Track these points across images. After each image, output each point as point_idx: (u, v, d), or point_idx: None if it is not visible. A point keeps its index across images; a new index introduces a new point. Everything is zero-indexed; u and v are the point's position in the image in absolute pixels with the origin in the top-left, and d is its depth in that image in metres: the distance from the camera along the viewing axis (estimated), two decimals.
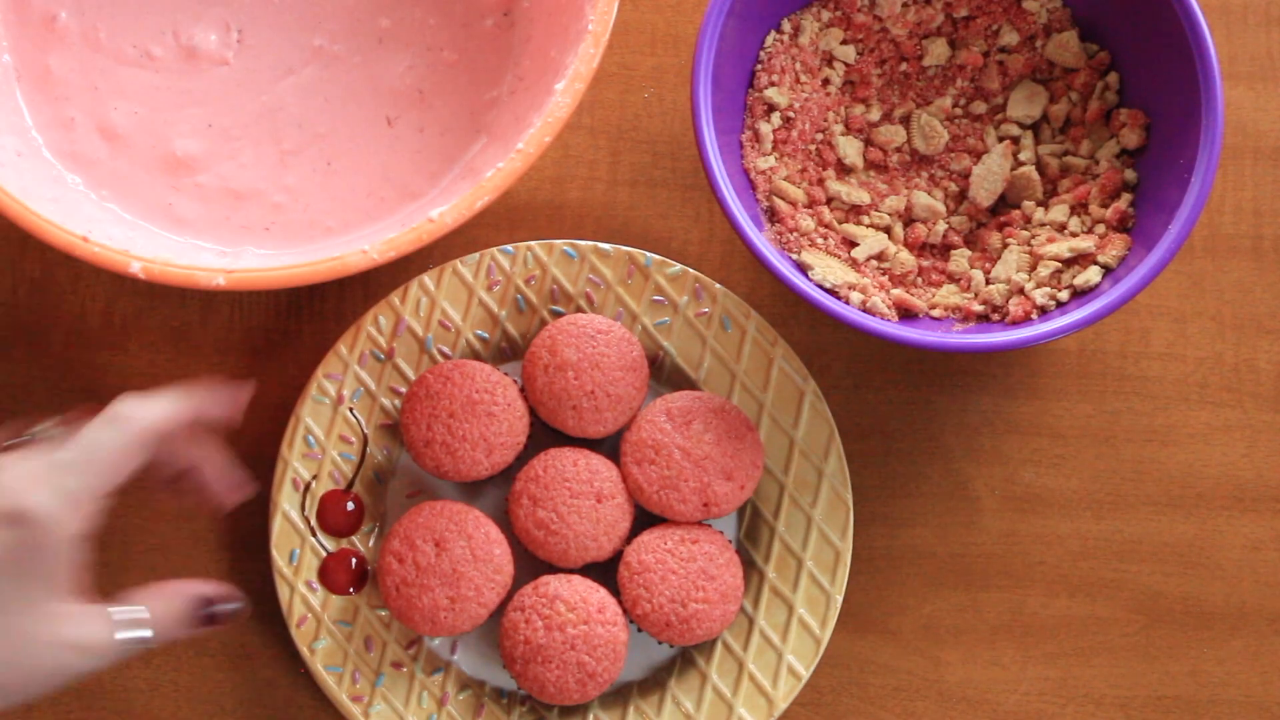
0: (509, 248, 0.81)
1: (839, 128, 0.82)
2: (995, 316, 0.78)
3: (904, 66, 0.83)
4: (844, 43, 0.82)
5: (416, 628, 0.78)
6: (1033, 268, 0.79)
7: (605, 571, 0.80)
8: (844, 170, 0.82)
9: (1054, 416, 0.85)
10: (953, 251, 0.81)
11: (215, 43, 0.82)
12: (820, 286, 0.77)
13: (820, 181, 0.81)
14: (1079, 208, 0.80)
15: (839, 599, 0.80)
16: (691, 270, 0.81)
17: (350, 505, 0.80)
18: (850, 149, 0.82)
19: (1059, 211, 0.80)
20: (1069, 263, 0.78)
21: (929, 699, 0.83)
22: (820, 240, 0.80)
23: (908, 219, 0.82)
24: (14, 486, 0.63)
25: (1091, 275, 0.77)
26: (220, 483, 0.74)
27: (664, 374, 0.82)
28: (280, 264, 0.73)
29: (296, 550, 0.79)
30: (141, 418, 0.67)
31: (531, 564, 0.81)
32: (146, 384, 0.83)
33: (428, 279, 0.81)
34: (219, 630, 0.72)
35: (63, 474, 0.64)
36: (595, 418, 0.79)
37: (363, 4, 0.82)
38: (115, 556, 0.82)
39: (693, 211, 0.85)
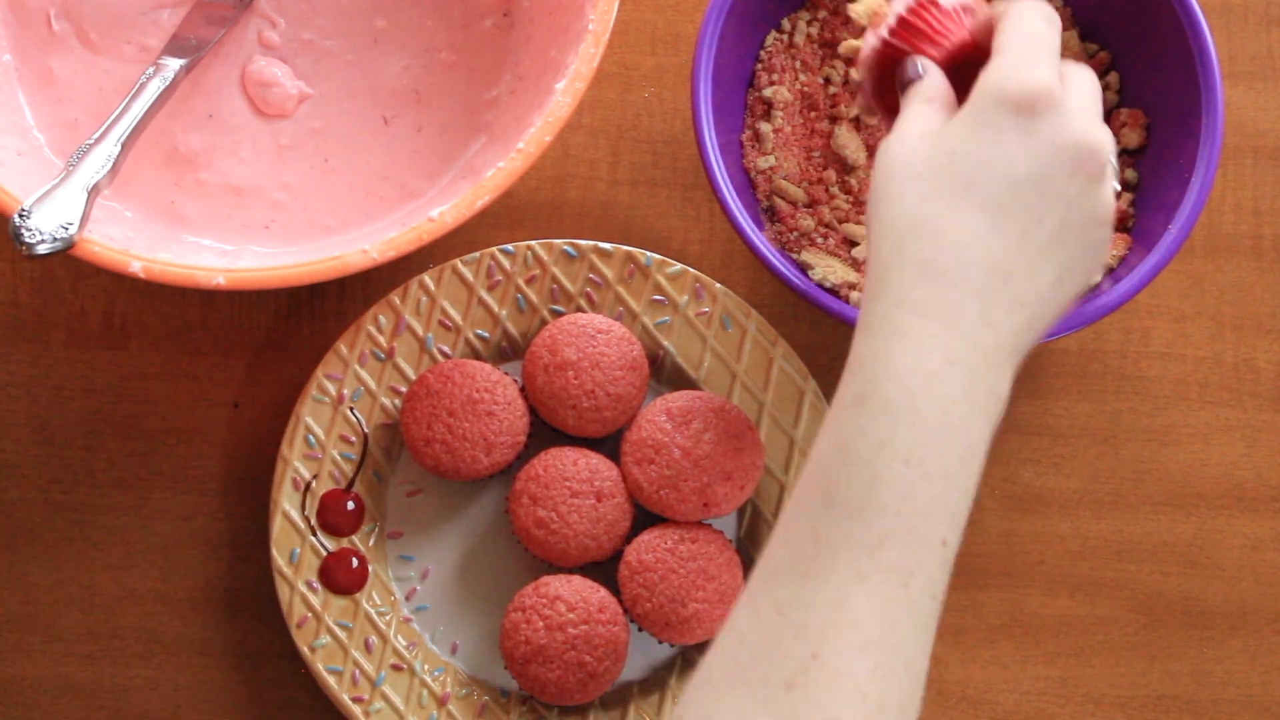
0: (509, 247, 0.81)
1: (840, 127, 0.82)
2: None
3: None
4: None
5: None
6: None
7: (605, 571, 0.80)
8: (845, 169, 0.82)
9: (1054, 416, 0.85)
10: None
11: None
12: (820, 286, 0.77)
13: (820, 181, 0.81)
14: None
15: None
16: (691, 270, 0.81)
17: (350, 505, 0.80)
18: (851, 148, 0.82)
19: None
20: None
21: (929, 699, 0.83)
22: (820, 240, 0.80)
23: None
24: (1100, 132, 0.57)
25: None
26: None
27: (664, 374, 0.82)
28: (280, 264, 0.73)
29: (297, 550, 0.79)
30: None
31: (531, 563, 0.81)
32: (147, 384, 0.83)
33: (428, 278, 0.81)
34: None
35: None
36: (595, 417, 0.79)
37: (357, 3, 0.82)
38: (115, 557, 0.82)
39: (693, 211, 0.85)
